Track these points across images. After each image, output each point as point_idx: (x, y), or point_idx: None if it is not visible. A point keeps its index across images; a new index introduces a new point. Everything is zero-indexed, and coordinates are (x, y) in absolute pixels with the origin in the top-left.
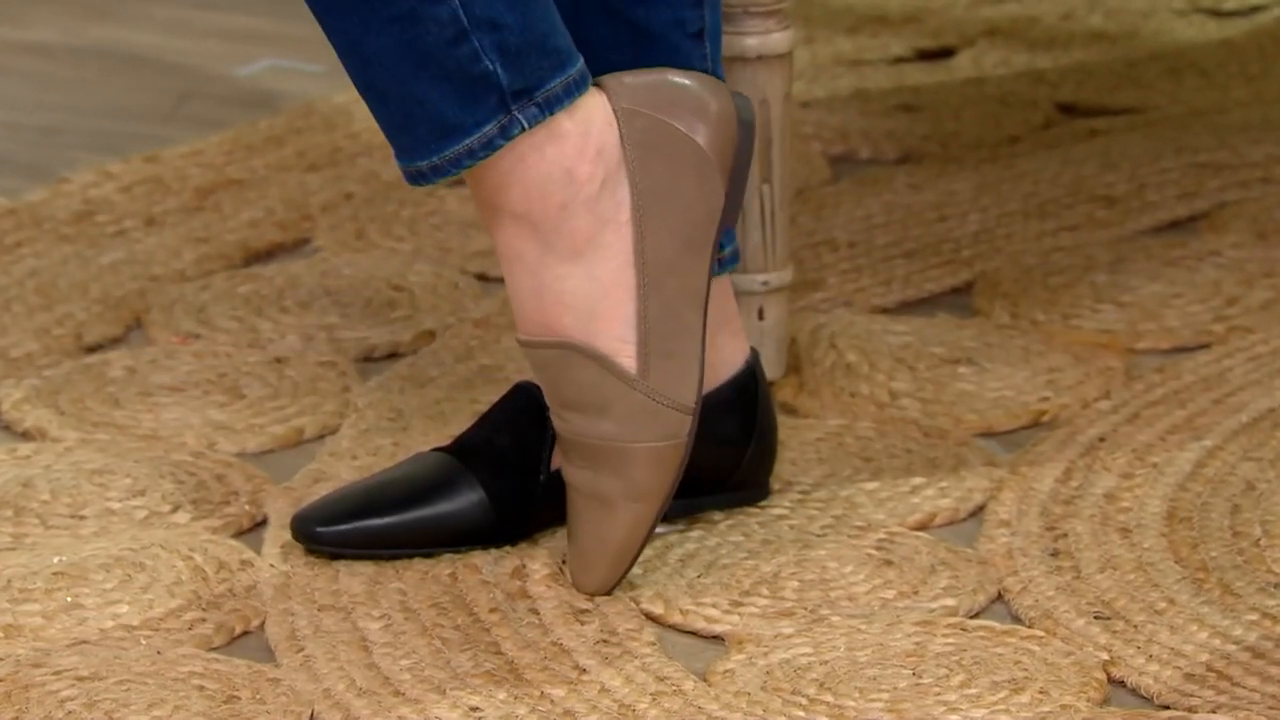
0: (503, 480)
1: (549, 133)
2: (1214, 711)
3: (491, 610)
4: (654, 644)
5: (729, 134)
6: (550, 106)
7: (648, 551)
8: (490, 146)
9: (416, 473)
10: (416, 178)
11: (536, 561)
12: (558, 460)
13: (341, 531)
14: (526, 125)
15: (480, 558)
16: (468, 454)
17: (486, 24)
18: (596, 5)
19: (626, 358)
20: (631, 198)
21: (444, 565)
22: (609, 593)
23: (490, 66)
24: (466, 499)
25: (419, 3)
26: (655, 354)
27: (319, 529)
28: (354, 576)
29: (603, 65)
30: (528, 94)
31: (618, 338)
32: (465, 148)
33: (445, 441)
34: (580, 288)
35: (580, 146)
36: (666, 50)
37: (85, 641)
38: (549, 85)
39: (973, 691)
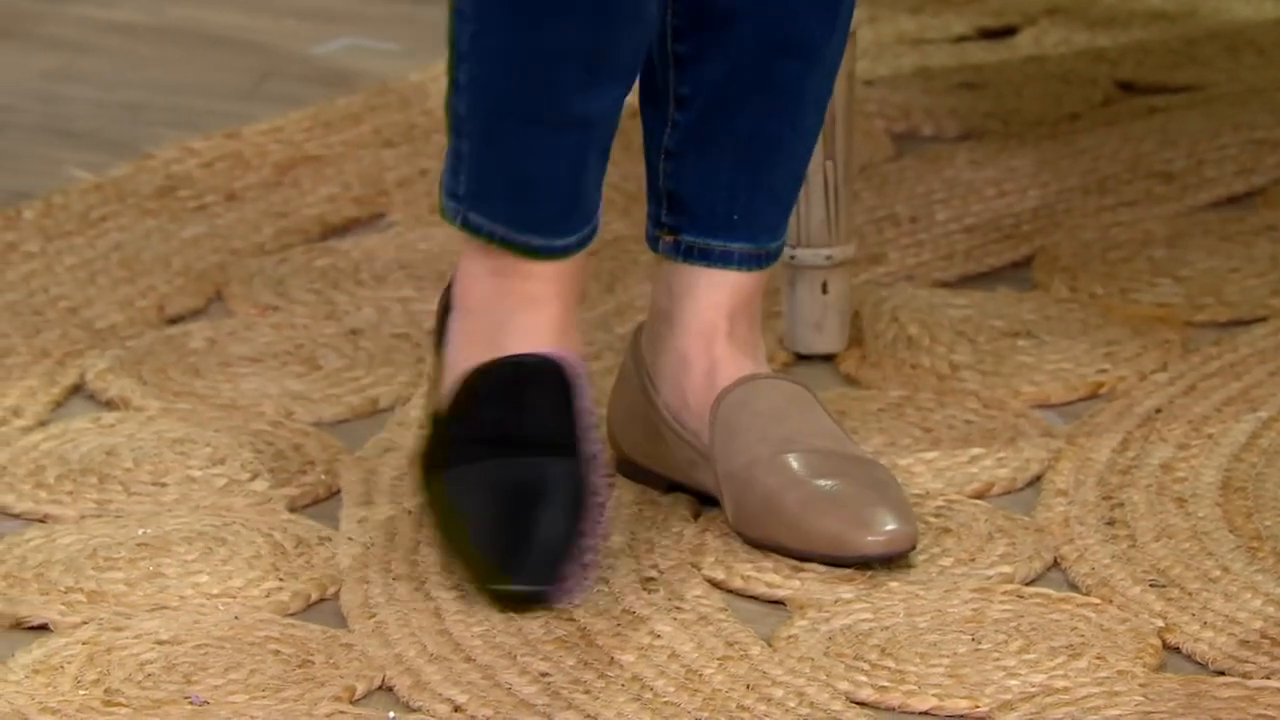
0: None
1: None
2: (1268, 678)
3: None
4: (724, 609)
5: None
6: None
7: (707, 519)
8: None
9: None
10: None
11: (610, 538)
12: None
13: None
14: None
15: None
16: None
17: None
18: None
19: None
20: None
21: None
22: None
23: None
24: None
25: None
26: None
27: (528, 584)
28: (432, 549)
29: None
30: None
31: None
32: None
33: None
34: None
35: None
36: None
37: (165, 607)
38: None
39: (1031, 657)
